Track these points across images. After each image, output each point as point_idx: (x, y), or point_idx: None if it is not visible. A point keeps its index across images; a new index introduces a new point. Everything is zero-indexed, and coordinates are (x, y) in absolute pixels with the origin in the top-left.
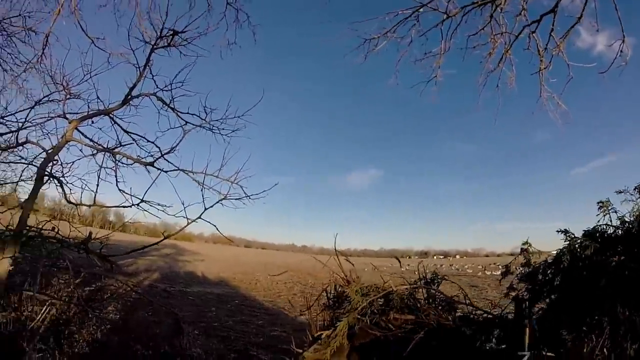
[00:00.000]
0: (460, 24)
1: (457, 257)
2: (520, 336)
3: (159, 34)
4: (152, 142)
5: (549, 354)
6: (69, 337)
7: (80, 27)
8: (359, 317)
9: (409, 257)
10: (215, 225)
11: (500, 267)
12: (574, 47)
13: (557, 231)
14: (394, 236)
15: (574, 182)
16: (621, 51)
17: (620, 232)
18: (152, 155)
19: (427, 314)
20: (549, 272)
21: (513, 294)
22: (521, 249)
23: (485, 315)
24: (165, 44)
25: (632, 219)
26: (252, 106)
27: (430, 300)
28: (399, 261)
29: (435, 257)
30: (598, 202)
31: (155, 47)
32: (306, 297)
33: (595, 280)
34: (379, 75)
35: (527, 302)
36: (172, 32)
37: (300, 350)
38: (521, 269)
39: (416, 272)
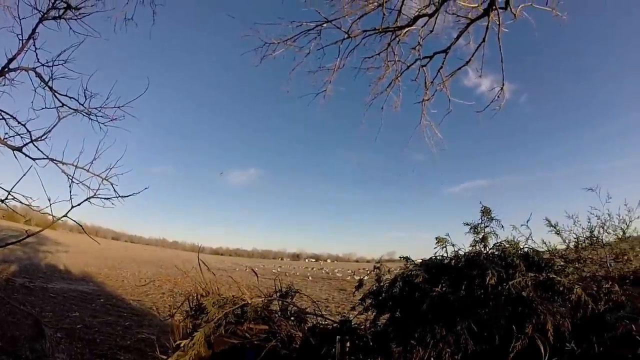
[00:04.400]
0: (359, 46)
1: (329, 260)
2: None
3: (51, 3)
4: (23, 125)
5: None
6: None
7: None
8: (215, 327)
9: (282, 259)
10: (82, 226)
11: (368, 272)
12: (460, 84)
13: (400, 257)
14: (268, 237)
15: (448, 198)
16: (498, 97)
17: (453, 263)
18: (21, 138)
19: (279, 325)
20: (392, 290)
21: (359, 308)
22: (374, 266)
23: (332, 324)
24: (56, 16)
25: (465, 252)
26: (136, 97)
27: (282, 313)
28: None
29: (307, 260)
30: (436, 237)
31: (44, 17)
32: (173, 299)
33: (421, 304)
34: (272, 78)
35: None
36: (65, 5)
37: (165, 357)
38: (374, 284)
39: (274, 285)
